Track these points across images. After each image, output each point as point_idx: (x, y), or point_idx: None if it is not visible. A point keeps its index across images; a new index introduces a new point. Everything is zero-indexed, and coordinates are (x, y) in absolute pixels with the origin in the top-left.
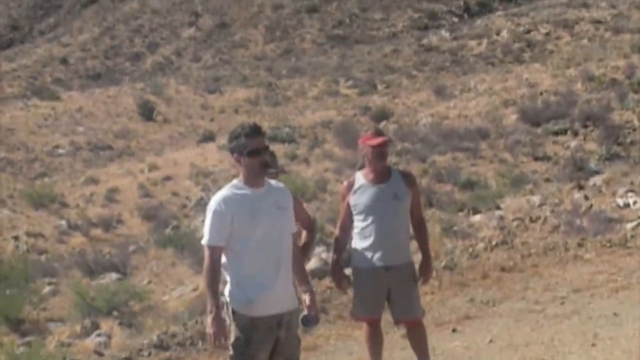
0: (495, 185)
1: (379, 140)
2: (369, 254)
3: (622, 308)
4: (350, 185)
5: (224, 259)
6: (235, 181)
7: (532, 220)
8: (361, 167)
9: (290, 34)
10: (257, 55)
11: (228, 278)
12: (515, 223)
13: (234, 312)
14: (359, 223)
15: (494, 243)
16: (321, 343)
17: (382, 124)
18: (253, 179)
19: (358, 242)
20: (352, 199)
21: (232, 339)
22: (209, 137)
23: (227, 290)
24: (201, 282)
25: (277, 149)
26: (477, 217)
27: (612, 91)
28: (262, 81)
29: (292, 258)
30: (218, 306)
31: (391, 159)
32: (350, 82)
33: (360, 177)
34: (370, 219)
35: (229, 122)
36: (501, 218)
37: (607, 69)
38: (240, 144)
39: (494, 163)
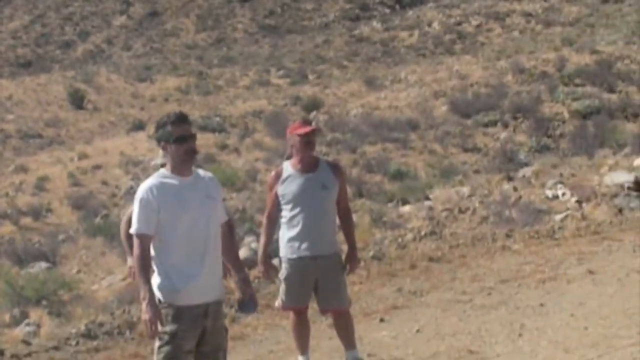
0: (425, 176)
1: (307, 129)
2: (296, 244)
3: (548, 298)
4: (278, 175)
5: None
6: (162, 170)
7: (461, 211)
8: (289, 157)
9: (222, 23)
10: (189, 44)
11: (155, 267)
12: (444, 214)
13: (159, 302)
14: (286, 212)
15: (422, 233)
16: (249, 332)
17: (313, 114)
18: (180, 167)
19: (285, 232)
20: (280, 189)
21: (159, 329)
22: (139, 126)
23: (153, 279)
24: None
25: (208, 138)
26: (406, 208)
27: (542, 84)
28: (193, 70)
29: (222, 247)
30: (151, 292)
31: (321, 149)
32: (281, 72)
33: (288, 167)
34: (298, 209)
35: (160, 111)
36: (430, 209)
37: (537, 62)
38: (166, 132)
39: (423, 154)
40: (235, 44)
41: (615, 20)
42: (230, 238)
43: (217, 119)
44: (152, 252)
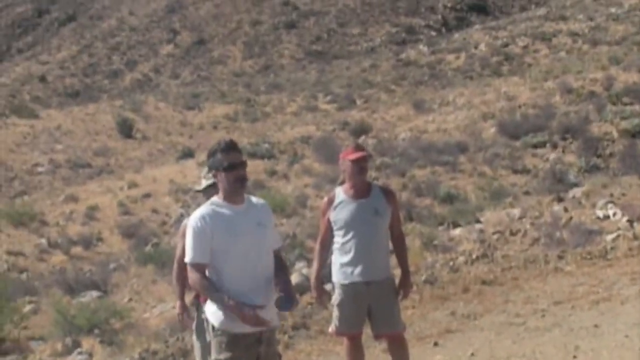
0: (474, 199)
1: (359, 154)
2: (349, 269)
3: (603, 320)
4: (331, 201)
5: None
6: (215, 198)
7: (512, 233)
8: (342, 183)
9: (269, 50)
10: (236, 71)
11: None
12: (495, 236)
13: (214, 329)
14: (339, 238)
15: (474, 256)
16: (303, 358)
17: (361, 139)
18: (231, 195)
19: (338, 258)
20: (333, 215)
21: (213, 356)
22: (188, 154)
23: (207, 306)
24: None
25: (257, 165)
26: (457, 231)
27: (590, 103)
28: (241, 97)
29: (274, 273)
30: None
31: (371, 174)
32: (328, 98)
33: (341, 193)
34: (350, 235)
35: (208, 139)
36: (481, 231)
37: (585, 81)
38: (217, 160)
39: (473, 176)
40: (282, 71)
41: None
42: (282, 264)
43: (266, 145)
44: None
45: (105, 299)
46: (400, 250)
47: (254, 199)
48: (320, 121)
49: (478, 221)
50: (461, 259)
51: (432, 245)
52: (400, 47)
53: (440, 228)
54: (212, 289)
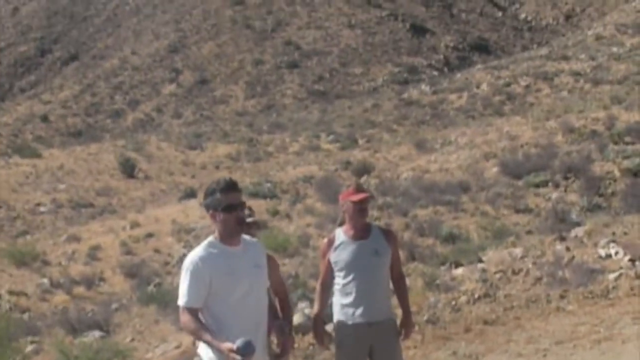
0: (477, 238)
1: (361, 196)
2: (350, 310)
3: (604, 359)
4: (331, 242)
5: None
6: (211, 238)
7: (514, 273)
8: (341, 223)
9: (271, 90)
10: (238, 110)
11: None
12: (497, 276)
13: None
14: (340, 280)
15: (476, 296)
16: None
17: (364, 179)
18: (229, 236)
19: (339, 299)
20: (333, 256)
21: None
22: (190, 194)
23: (203, 350)
24: (184, 339)
25: (259, 204)
26: (459, 271)
27: (592, 143)
28: (243, 137)
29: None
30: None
31: (373, 214)
32: (331, 137)
33: (341, 234)
34: (351, 276)
35: (211, 179)
36: (483, 271)
37: (586, 121)
38: (215, 200)
39: (475, 216)
40: (285, 110)
41: None
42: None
43: (268, 185)
44: None
45: (107, 338)
46: (401, 290)
47: (247, 239)
48: (322, 161)
49: (480, 261)
50: (463, 298)
51: (434, 285)
52: (403, 86)
53: (443, 268)
54: (204, 331)
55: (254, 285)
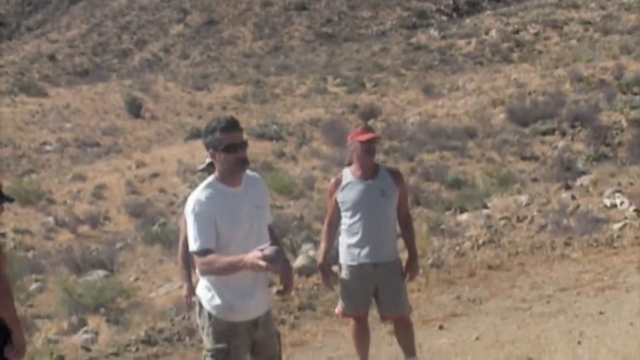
0: (482, 185)
1: (369, 136)
2: (356, 251)
3: (608, 307)
4: (338, 182)
5: None
6: (210, 179)
7: (519, 220)
8: (349, 163)
9: (279, 32)
10: (246, 52)
11: (206, 282)
12: (502, 222)
13: (210, 316)
14: (346, 219)
15: (480, 242)
16: (308, 339)
17: (370, 122)
18: (230, 176)
19: (345, 239)
20: (340, 196)
21: (208, 345)
22: (196, 135)
23: (202, 291)
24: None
25: (265, 146)
26: (464, 216)
27: (600, 92)
28: (250, 78)
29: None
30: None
31: (379, 157)
32: (338, 80)
33: (348, 174)
34: (358, 216)
35: None
36: (488, 217)
37: (595, 70)
38: (215, 139)
39: (481, 162)
40: (292, 52)
41: None
42: (272, 235)
43: (275, 127)
44: None
45: (111, 278)
46: (408, 232)
47: (249, 174)
48: (329, 104)
49: (485, 207)
50: (467, 243)
51: (439, 230)
52: (411, 31)
53: (448, 213)
54: (226, 260)
55: (254, 226)
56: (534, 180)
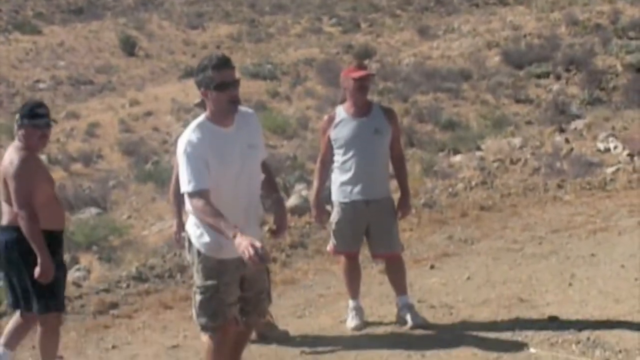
0: (476, 127)
1: (362, 73)
2: (348, 188)
3: (599, 249)
4: (331, 119)
5: None
6: (201, 118)
7: (512, 162)
8: (342, 101)
9: None
10: None
11: (194, 218)
12: (495, 164)
13: (199, 254)
14: (339, 157)
15: (473, 183)
16: (299, 277)
17: (365, 63)
18: (222, 116)
19: (338, 176)
20: (333, 133)
21: (198, 282)
22: (190, 73)
23: (191, 228)
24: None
25: (259, 85)
26: (457, 158)
27: (595, 36)
28: (245, 17)
29: (265, 189)
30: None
31: (373, 98)
32: (333, 20)
33: (341, 111)
34: (350, 153)
35: None
36: (481, 159)
37: (591, 14)
38: (207, 77)
39: (475, 104)
40: None
41: None
42: (269, 175)
43: (269, 66)
44: None
45: (104, 215)
46: (400, 170)
47: (242, 110)
48: (324, 44)
49: (479, 149)
50: (460, 185)
51: (432, 171)
52: None
53: (441, 154)
54: (223, 220)
55: (245, 167)
56: (528, 123)
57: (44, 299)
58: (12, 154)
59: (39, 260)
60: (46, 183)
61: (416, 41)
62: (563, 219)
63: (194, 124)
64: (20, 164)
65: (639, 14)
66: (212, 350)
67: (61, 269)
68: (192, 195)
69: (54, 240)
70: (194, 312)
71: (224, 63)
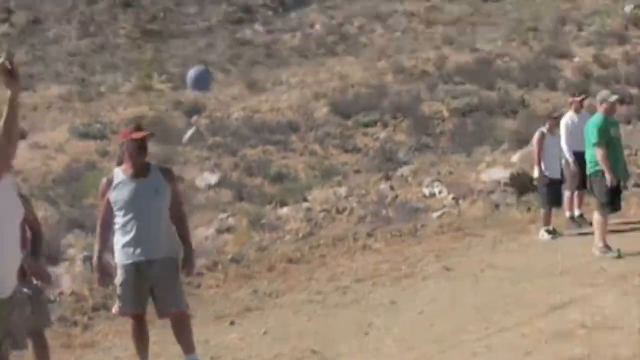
0: (305, 178)
1: (141, 134)
2: (130, 249)
3: (401, 296)
4: (110, 182)
5: None
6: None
7: (338, 212)
8: (120, 163)
9: (104, 29)
10: (71, 51)
11: None
12: (322, 214)
13: None
14: (119, 219)
15: (300, 235)
16: (99, 339)
17: (194, 119)
18: None
19: (120, 238)
20: (112, 195)
21: None
22: (20, 136)
23: None
24: None
25: (88, 145)
26: (284, 210)
27: (422, 82)
28: (76, 77)
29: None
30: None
31: (202, 154)
32: (163, 77)
33: (120, 173)
34: (130, 214)
35: (42, 120)
36: (308, 210)
37: (417, 61)
38: None
39: (304, 155)
40: (118, 50)
41: (496, 19)
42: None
43: (98, 125)
44: None
45: None
46: (182, 227)
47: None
48: (154, 101)
49: (305, 200)
50: (288, 237)
51: (259, 225)
52: (237, 26)
53: (268, 207)
54: None
55: (8, 214)
56: (357, 172)
57: None
58: None
59: None
60: None
61: (246, 95)
62: (369, 268)
63: None
64: None
65: (465, 60)
66: None
67: None
68: None
69: None
70: None
71: None
